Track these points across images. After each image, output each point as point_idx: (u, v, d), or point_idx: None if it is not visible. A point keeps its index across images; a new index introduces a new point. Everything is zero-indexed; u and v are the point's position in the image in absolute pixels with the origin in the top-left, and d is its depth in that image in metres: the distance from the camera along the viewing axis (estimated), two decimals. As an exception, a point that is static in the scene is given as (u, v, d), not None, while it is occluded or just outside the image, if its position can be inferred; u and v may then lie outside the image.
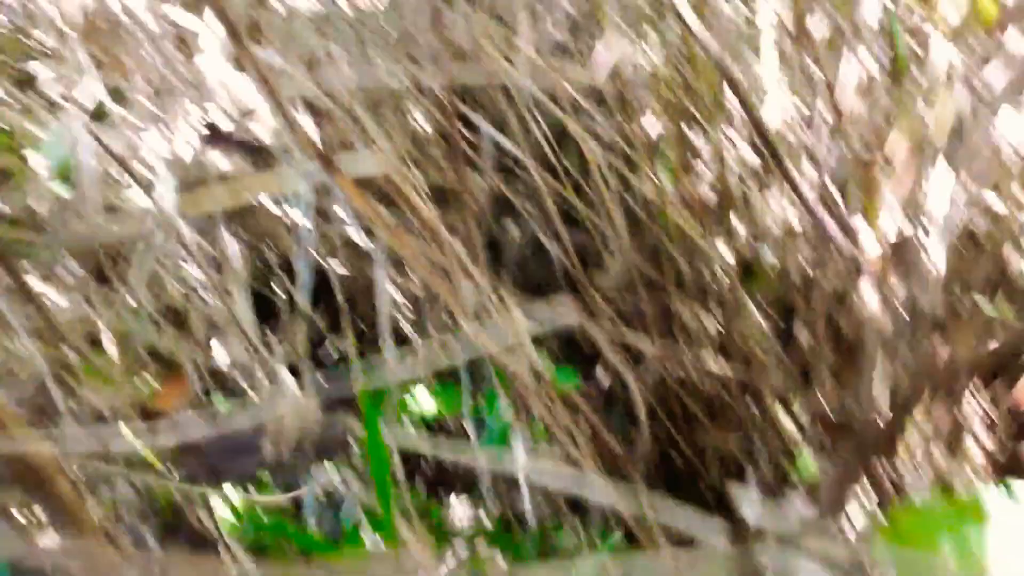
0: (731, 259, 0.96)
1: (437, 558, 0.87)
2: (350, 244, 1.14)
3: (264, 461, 0.61)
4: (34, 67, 1.44)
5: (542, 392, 0.65)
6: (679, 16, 0.86)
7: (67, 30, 1.18)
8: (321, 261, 1.11)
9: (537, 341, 0.72)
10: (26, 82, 1.54)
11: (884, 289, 0.81)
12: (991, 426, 0.89)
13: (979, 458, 0.89)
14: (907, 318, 0.80)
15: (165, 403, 0.87)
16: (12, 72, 1.63)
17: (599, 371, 1.15)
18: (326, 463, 0.64)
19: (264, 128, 1.08)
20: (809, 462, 0.79)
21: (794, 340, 0.91)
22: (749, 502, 0.58)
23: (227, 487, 0.76)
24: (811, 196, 0.85)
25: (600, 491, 0.56)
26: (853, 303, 0.83)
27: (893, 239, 0.83)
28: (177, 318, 1.04)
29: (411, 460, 0.89)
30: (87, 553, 0.50)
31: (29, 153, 1.15)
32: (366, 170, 0.62)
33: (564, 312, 0.44)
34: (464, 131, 1.16)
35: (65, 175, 1.05)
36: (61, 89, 1.27)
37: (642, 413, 0.70)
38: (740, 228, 0.99)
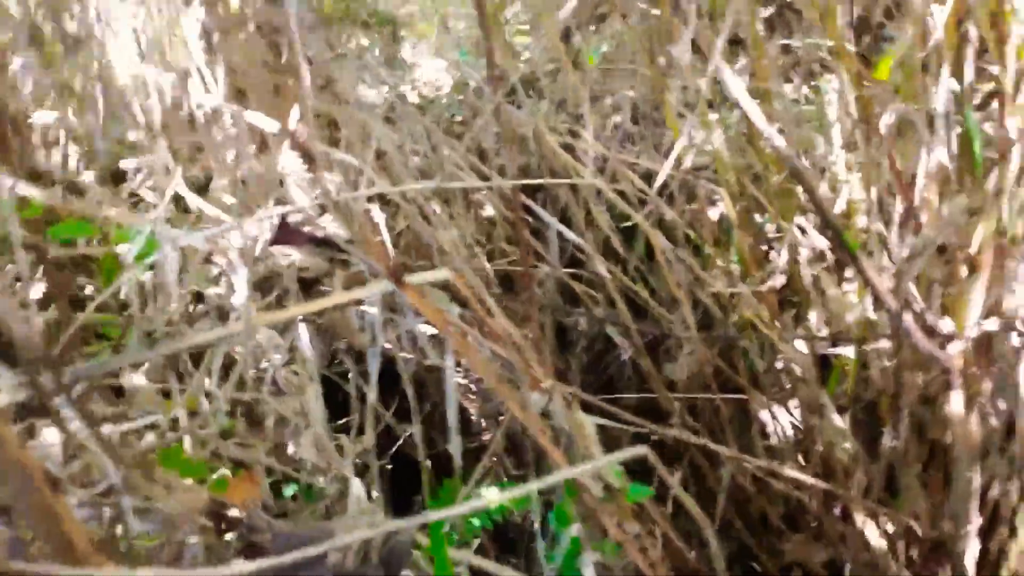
0: (808, 354, 0.93)
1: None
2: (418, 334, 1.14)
3: (330, 571, 0.60)
4: (124, 164, 1.52)
5: (613, 506, 0.63)
6: (741, 106, 0.85)
7: (154, 128, 1.25)
8: (389, 345, 1.12)
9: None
10: (117, 176, 1.63)
11: (972, 391, 0.77)
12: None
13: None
14: (999, 423, 0.76)
15: (235, 497, 0.87)
16: (104, 167, 1.73)
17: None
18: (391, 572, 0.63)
19: (337, 223, 1.11)
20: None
21: (878, 443, 0.86)
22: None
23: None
24: (886, 290, 0.82)
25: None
26: (940, 405, 0.79)
27: (977, 337, 0.78)
28: (249, 410, 1.06)
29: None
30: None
31: (115, 243, 1.19)
32: (434, 280, 0.63)
33: (638, 448, 0.43)
34: (530, 220, 1.17)
35: (148, 266, 1.09)
36: (147, 182, 1.34)
37: (711, 525, 0.68)
38: (816, 322, 0.96)
